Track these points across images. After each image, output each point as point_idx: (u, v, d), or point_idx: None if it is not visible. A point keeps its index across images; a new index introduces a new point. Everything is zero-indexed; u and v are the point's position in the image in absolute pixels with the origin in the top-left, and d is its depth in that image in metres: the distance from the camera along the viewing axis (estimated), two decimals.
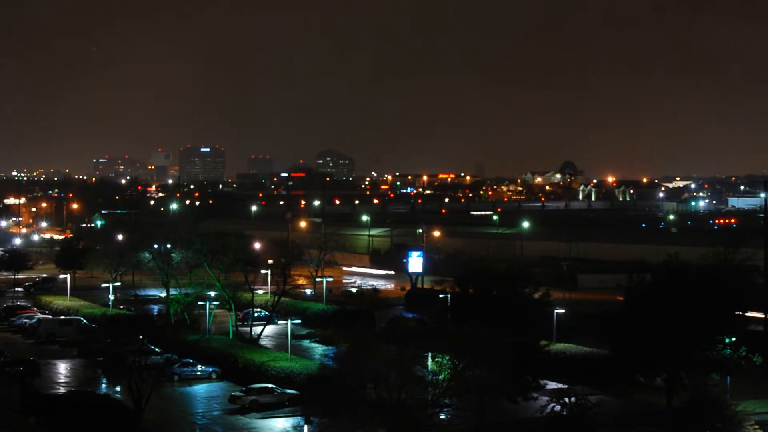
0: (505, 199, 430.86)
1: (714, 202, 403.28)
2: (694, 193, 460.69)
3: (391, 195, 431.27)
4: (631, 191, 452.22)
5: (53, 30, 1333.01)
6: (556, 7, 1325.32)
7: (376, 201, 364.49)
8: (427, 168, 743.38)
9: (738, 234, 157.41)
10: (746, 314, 72.76)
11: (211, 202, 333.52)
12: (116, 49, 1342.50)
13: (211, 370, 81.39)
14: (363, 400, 53.75)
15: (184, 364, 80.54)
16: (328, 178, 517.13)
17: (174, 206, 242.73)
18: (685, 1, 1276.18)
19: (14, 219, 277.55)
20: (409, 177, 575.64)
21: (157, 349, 75.30)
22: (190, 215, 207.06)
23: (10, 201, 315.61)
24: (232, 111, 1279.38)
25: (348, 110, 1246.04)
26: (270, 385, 71.77)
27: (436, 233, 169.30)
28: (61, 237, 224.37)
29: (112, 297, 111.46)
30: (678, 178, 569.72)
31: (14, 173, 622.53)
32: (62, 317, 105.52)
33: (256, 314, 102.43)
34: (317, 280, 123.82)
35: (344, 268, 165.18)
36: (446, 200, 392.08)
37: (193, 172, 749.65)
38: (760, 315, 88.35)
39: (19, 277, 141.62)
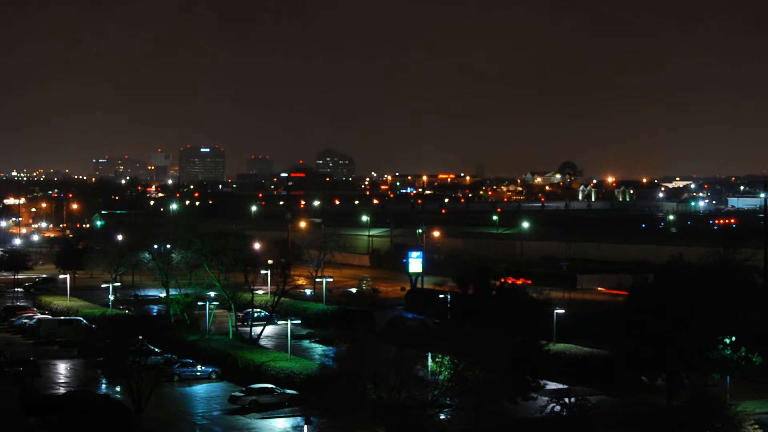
0: (505, 199, 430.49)
1: (714, 202, 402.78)
2: (694, 193, 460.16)
3: (391, 195, 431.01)
4: (631, 191, 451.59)
5: (53, 31, 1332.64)
6: (556, 7, 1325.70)
7: (376, 201, 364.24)
8: (427, 168, 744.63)
9: (738, 234, 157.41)
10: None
11: (211, 202, 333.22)
12: (116, 50, 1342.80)
13: (210, 370, 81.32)
14: (363, 400, 53.69)
15: (184, 364, 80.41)
16: (328, 178, 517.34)
17: (174, 206, 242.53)
18: (685, 2, 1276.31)
19: (14, 219, 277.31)
20: (409, 177, 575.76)
21: (157, 349, 75.20)
22: (189, 215, 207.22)
23: (10, 201, 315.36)
24: (232, 111, 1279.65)
25: (348, 110, 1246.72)
26: (270, 386, 71.70)
27: (436, 233, 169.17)
28: (56, 235, 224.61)
29: (112, 297, 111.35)
30: (678, 178, 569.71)
31: (14, 173, 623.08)
32: (62, 317, 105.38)
33: (256, 314, 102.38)
34: (317, 280, 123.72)
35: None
36: (446, 200, 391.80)
37: (193, 172, 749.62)
38: None
39: (19, 277, 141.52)
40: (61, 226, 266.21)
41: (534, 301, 70.85)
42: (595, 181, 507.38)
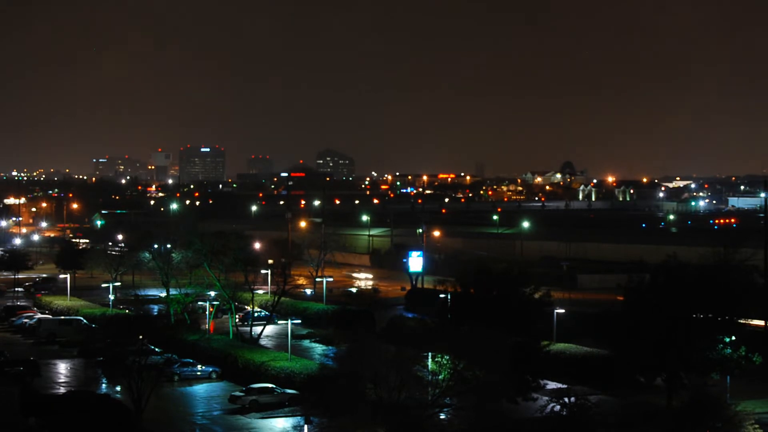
0: (505, 199, 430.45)
1: (714, 202, 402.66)
2: (694, 193, 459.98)
3: (391, 195, 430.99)
4: (631, 191, 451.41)
5: (54, 30, 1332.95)
6: (556, 8, 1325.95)
7: (376, 201, 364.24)
8: (427, 168, 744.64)
9: (738, 234, 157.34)
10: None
11: (211, 202, 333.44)
12: (116, 50, 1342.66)
13: (211, 370, 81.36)
14: (363, 400, 53.70)
15: (184, 364, 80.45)
16: (328, 178, 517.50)
17: (174, 206, 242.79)
18: (684, 3, 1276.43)
19: (14, 219, 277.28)
20: (409, 177, 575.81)
21: (157, 349, 75.25)
22: (190, 215, 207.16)
23: (10, 201, 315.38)
24: (232, 111, 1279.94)
25: (348, 110, 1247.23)
26: (270, 385, 71.74)
27: (436, 233, 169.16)
28: (56, 235, 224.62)
29: (112, 297, 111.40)
30: (678, 178, 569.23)
31: (14, 173, 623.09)
32: (62, 317, 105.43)
33: (256, 314, 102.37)
34: (317, 280, 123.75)
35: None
36: (446, 200, 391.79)
37: (193, 172, 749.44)
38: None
39: (19, 277, 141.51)
40: (67, 225, 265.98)
41: (534, 301, 70.84)
42: (595, 181, 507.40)
